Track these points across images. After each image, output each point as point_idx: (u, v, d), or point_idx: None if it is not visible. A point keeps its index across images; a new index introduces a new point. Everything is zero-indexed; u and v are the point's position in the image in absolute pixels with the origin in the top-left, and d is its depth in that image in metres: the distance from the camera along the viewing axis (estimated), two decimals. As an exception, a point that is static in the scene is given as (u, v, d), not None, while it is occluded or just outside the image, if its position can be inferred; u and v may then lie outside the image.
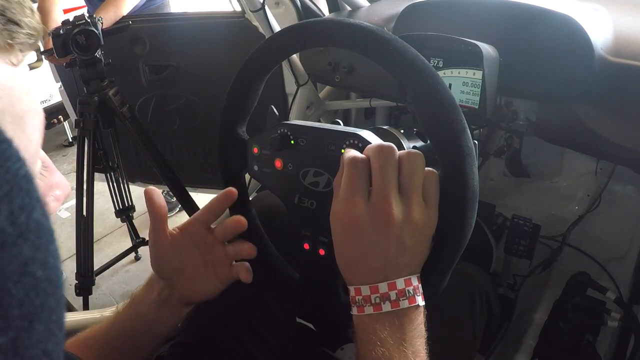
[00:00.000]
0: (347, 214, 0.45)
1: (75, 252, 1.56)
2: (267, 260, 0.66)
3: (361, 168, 0.45)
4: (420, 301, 0.45)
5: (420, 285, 0.46)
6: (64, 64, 1.42)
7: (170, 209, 2.36)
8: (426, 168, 0.46)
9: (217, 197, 0.60)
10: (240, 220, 0.59)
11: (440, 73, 0.87)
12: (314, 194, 0.56)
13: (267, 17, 1.12)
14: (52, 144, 3.27)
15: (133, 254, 1.99)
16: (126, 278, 2.02)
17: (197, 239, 0.60)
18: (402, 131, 0.66)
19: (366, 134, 0.52)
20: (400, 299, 0.45)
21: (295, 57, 1.21)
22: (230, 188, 0.60)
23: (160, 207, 0.58)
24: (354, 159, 0.46)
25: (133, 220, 1.82)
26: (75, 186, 1.53)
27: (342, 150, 0.53)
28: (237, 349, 0.71)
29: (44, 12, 1.53)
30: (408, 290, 0.45)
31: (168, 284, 0.60)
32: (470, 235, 0.48)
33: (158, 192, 0.58)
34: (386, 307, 0.44)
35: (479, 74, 0.83)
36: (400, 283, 0.45)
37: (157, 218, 0.58)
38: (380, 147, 0.45)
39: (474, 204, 0.47)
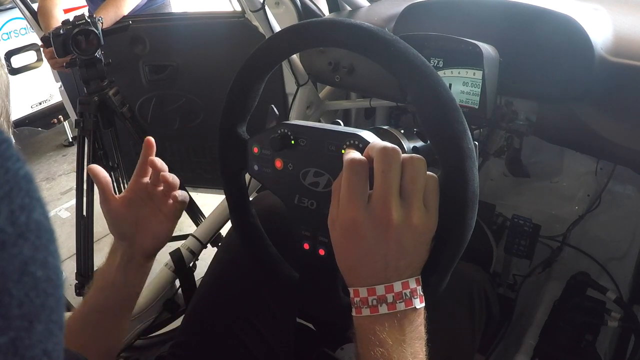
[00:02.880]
0: (348, 218, 0.45)
1: (75, 252, 1.56)
2: (267, 260, 0.66)
3: (361, 171, 0.45)
4: (418, 304, 0.46)
5: (419, 288, 0.46)
6: (64, 64, 1.42)
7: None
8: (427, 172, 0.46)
9: (142, 151, 0.70)
10: (152, 159, 0.68)
11: (440, 73, 0.87)
12: (314, 194, 0.56)
13: (267, 17, 1.12)
14: (52, 144, 3.27)
15: (133, 254, 1.99)
16: (126, 278, 2.01)
17: (140, 192, 0.69)
18: (402, 131, 0.66)
19: (366, 135, 0.52)
20: (397, 301, 0.45)
21: (295, 57, 1.21)
22: (147, 137, 0.70)
23: (105, 178, 0.68)
24: (354, 162, 0.46)
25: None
26: (75, 186, 1.53)
27: (342, 151, 0.53)
28: (237, 349, 0.71)
29: (44, 12, 1.53)
30: (405, 293, 0.45)
31: (128, 244, 0.68)
32: (470, 236, 0.48)
33: (99, 167, 0.69)
34: (383, 309, 0.45)
35: (479, 74, 0.83)
36: (397, 286, 0.45)
37: (105, 189, 0.68)
38: (384, 150, 0.45)
39: (474, 206, 0.47)
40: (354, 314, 0.47)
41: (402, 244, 0.45)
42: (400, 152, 0.45)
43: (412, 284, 0.46)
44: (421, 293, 0.46)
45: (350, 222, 0.45)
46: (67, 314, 0.68)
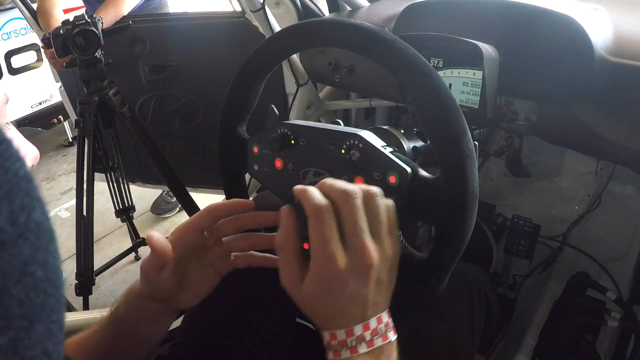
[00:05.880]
0: (328, 268, 0.43)
1: (75, 252, 1.56)
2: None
3: (330, 219, 0.44)
4: (392, 336, 0.46)
5: (390, 320, 0.46)
6: (64, 64, 1.42)
7: (170, 209, 2.35)
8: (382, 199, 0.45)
9: (227, 205, 0.55)
10: (242, 205, 0.55)
11: (440, 73, 0.87)
12: None
13: (267, 17, 1.12)
14: (52, 144, 3.26)
15: (133, 254, 1.99)
16: (126, 278, 2.01)
17: (194, 245, 0.56)
18: (402, 131, 0.66)
19: (366, 134, 0.52)
20: (374, 337, 0.44)
21: (295, 57, 1.21)
22: (247, 200, 0.56)
23: (165, 248, 0.52)
24: (319, 210, 0.44)
25: (133, 220, 1.82)
26: (75, 186, 1.53)
27: (342, 151, 0.53)
28: (237, 349, 0.71)
29: (44, 12, 1.53)
30: (380, 328, 0.45)
31: (161, 304, 0.56)
32: (469, 236, 0.48)
33: (159, 236, 0.53)
34: (362, 348, 0.44)
35: (479, 74, 0.83)
36: (373, 322, 0.45)
37: (161, 258, 0.52)
38: (345, 193, 0.44)
39: (474, 206, 0.47)
40: (331, 357, 0.45)
41: (380, 280, 0.45)
42: (358, 188, 0.44)
43: (384, 317, 0.46)
44: (392, 324, 0.46)
45: (332, 273, 0.43)
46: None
